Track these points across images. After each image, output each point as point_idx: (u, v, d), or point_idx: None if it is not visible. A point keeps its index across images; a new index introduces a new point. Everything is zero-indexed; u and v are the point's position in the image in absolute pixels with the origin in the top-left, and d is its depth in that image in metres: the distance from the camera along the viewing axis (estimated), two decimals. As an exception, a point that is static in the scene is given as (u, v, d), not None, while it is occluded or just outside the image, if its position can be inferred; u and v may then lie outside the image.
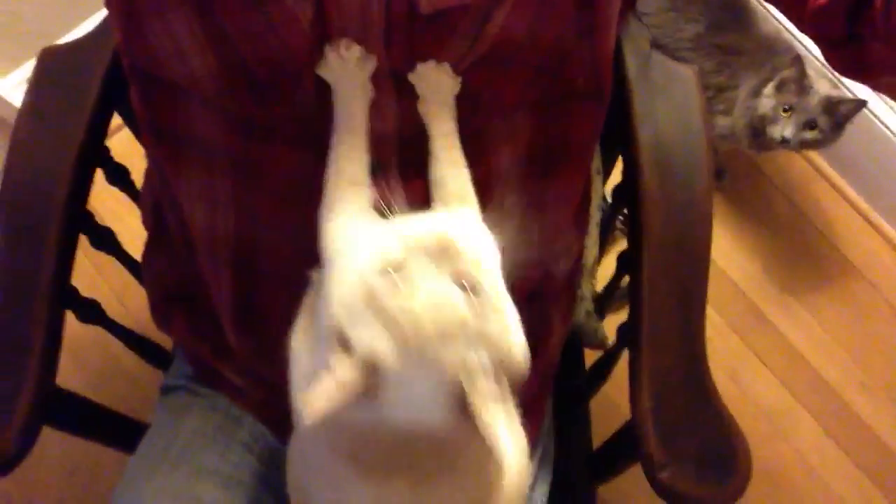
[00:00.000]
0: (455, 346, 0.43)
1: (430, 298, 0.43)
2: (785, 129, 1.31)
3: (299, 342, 0.56)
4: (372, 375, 0.43)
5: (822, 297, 1.59)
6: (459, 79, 0.57)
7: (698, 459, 0.71)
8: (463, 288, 0.44)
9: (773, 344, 1.55)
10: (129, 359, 1.44)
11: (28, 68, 1.37)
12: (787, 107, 1.31)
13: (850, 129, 1.45)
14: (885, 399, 1.51)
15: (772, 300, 1.58)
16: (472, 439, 0.46)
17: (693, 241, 0.78)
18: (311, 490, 0.59)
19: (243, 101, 0.60)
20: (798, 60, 1.31)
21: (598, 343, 1.02)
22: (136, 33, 0.61)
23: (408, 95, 0.58)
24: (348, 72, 0.56)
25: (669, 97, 0.82)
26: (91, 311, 0.87)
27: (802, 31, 0.57)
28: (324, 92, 0.57)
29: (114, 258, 0.94)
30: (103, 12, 1.43)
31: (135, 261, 0.96)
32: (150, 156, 0.75)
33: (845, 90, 1.40)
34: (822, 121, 1.29)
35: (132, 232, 0.93)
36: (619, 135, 0.85)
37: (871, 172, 1.62)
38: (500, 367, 0.46)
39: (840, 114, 1.29)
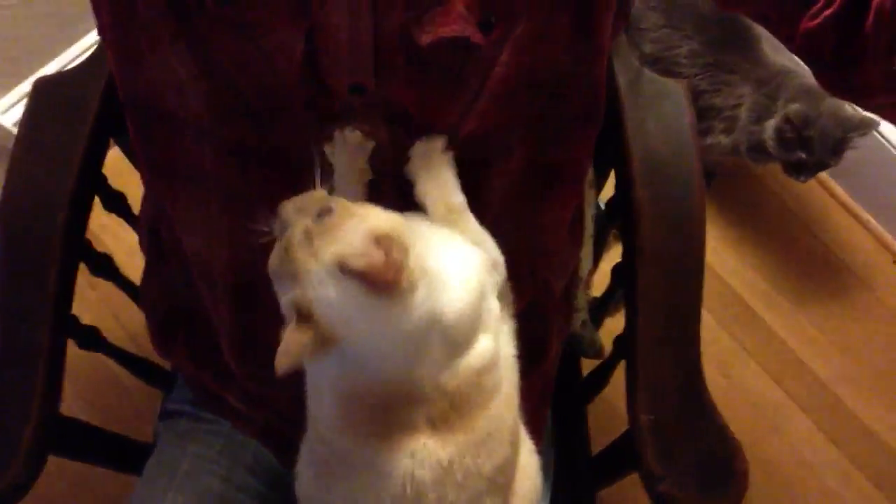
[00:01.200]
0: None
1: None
2: (798, 152, 1.31)
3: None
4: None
5: (811, 293, 1.61)
6: (451, 154, 0.60)
7: (696, 470, 0.72)
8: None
9: (763, 341, 1.57)
10: (125, 376, 1.46)
11: (18, 92, 1.37)
12: (795, 131, 1.30)
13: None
14: (873, 392, 1.53)
15: (762, 298, 1.60)
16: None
17: (686, 252, 0.79)
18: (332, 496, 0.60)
19: (238, 132, 0.61)
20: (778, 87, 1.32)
21: (595, 352, 1.04)
22: (132, 67, 0.62)
23: (401, 132, 0.59)
24: (349, 154, 0.60)
25: (659, 111, 0.84)
26: (91, 338, 0.88)
27: (793, 51, 0.57)
28: (315, 123, 0.59)
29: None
30: (93, 37, 1.43)
31: (133, 285, 0.97)
32: (147, 185, 0.75)
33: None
34: (832, 141, 1.30)
35: (130, 250, 0.94)
36: (611, 149, 0.86)
37: (859, 170, 1.64)
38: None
39: (849, 127, 1.30)
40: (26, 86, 1.38)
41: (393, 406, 0.53)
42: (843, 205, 1.68)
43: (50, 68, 1.40)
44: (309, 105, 0.59)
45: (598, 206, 1.04)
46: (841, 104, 1.31)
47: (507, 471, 0.59)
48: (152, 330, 0.84)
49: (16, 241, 0.79)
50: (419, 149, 0.60)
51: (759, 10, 0.57)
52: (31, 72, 1.38)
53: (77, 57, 1.41)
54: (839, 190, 1.68)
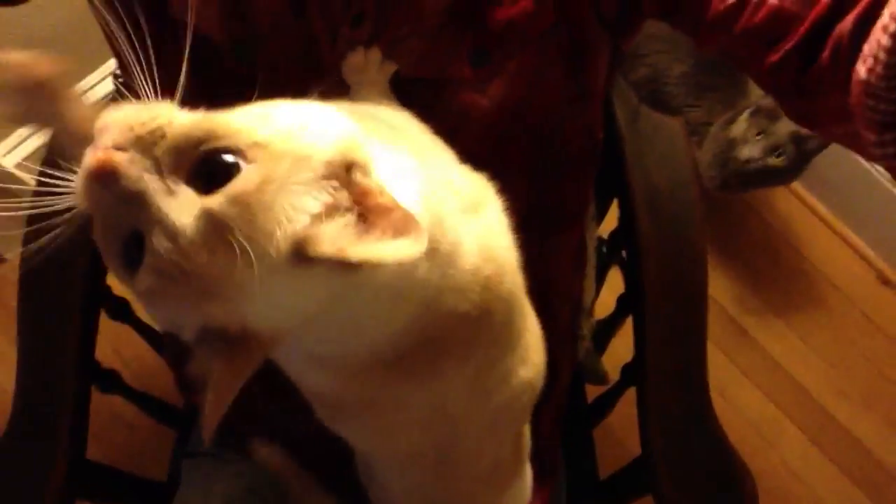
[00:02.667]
0: None
1: None
2: (752, 150, 1.36)
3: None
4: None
5: (800, 311, 1.66)
6: (393, 66, 0.57)
7: (708, 494, 0.75)
8: None
9: (755, 359, 1.60)
10: (130, 415, 1.46)
11: (19, 134, 1.38)
12: (759, 131, 1.36)
13: (839, 169, 1.52)
14: (862, 405, 1.57)
15: (753, 317, 1.64)
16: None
17: (690, 281, 0.82)
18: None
19: None
20: None
21: (599, 379, 1.06)
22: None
23: None
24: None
25: (658, 147, 0.87)
26: (112, 382, 0.89)
27: (760, 86, 0.61)
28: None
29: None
30: (96, 75, 1.42)
31: (150, 328, 0.98)
32: None
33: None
34: (789, 149, 1.35)
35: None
36: (612, 182, 0.89)
37: (842, 189, 1.69)
38: None
39: (807, 148, 1.35)
40: (27, 128, 1.39)
41: (407, 356, 0.44)
42: (828, 224, 1.72)
43: (49, 110, 1.41)
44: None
45: (599, 239, 1.07)
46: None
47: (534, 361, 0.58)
48: (175, 371, 0.85)
49: (38, 287, 0.80)
50: (355, 59, 0.55)
51: (729, 49, 0.60)
52: (31, 114, 1.39)
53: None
54: (823, 209, 1.73)
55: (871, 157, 0.51)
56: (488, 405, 0.56)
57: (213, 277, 0.32)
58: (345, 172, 0.33)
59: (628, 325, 0.99)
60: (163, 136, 0.33)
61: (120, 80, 0.92)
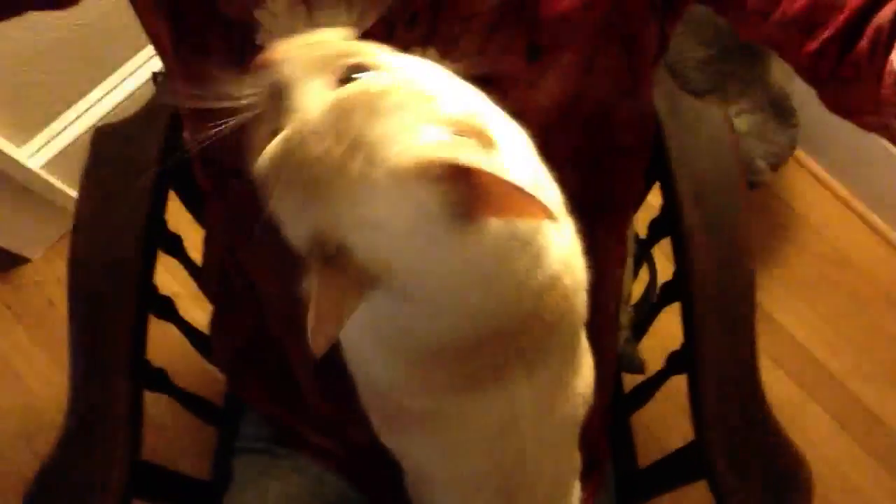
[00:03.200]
0: None
1: None
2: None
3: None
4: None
5: (823, 293, 1.66)
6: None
7: (765, 481, 0.75)
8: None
9: (780, 342, 1.61)
10: (156, 409, 1.46)
11: (44, 136, 1.38)
12: None
13: (841, 129, 1.51)
14: (888, 386, 1.58)
15: (776, 299, 1.64)
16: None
17: (738, 271, 0.83)
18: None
19: None
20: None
21: (637, 368, 1.07)
22: (209, 113, 0.64)
23: None
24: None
25: (701, 136, 0.87)
26: (160, 381, 0.89)
27: (799, 74, 0.61)
28: None
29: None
30: (116, 75, 1.44)
31: (193, 327, 0.98)
32: (219, 232, 0.77)
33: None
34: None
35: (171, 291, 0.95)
36: (651, 172, 0.89)
37: (862, 170, 1.69)
38: None
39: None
40: (52, 128, 1.39)
41: (479, 351, 0.42)
42: (851, 207, 1.72)
43: (75, 111, 1.41)
44: None
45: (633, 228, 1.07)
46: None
47: (590, 375, 0.56)
48: (227, 366, 0.85)
49: (89, 293, 0.81)
50: None
51: (769, 37, 0.60)
52: (56, 115, 1.39)
53: (104, 96, 1.42)
54: (846, 192, 1.73)
55: None
56: (553, 421, 0.55)
57: (326, 172, 0.31)
58: (470, 131, 0.32)
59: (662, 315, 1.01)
60: (325, 49, 0.33)
61: (159, 78, 0.92)
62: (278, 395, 0.82)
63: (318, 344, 0.33)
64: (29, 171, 1.36)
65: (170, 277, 1.46)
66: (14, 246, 1.53)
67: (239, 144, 0.62)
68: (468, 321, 0.40)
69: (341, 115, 0.31)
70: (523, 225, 0.37)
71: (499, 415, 0.47)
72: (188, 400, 0.97)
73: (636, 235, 1.05)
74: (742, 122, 1.40)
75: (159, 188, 0.84)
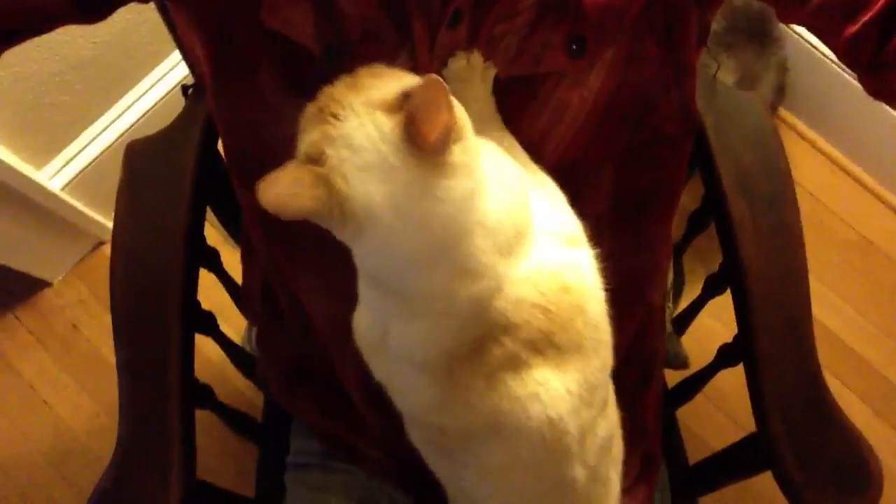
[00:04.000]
0: None
1: None
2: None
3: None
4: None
5: (849, 280, 1.64)
6: (494, 70, 0.56)
7: (835, 476, 0.74)
8: None
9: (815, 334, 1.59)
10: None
11: (63, 157, 1.37)
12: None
13: (861, 116, 1.51)
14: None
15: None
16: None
17: (791, 262, 0.82)
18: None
19: None
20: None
21: (680, 363, 1.05)
22: (252, 134, 0.63)
23: None
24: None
25: (743, 126, 0.86)
26: (205, 398, 0.88)
27: (839, 58, 0.60)
28: None
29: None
30: (133, 92, 1.43)
31: (232, 342, 0.97)
32: (259, 246, 0.76)
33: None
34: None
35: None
36: (692, 163, 0.88)
37: (884, 156, 1.67)
38: None
39: None
40: (72, 149, 1.38)
41: (489, 350, 0.48)
42: (871, 190, 1.71)
43: (93, 131, 1.40)
44: None
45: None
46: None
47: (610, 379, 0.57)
48: (275, 385, 0.84)
49: (133, 312, 0.79)
50: (458, 64, 0.55)
51: (809, 20, 0.59)
52: (75, 135, 1.38)
53: (121, 115, 1.41)
54: (866, 177, 1.72)
55: None
56: (596, 440, 0.55)
57: (334, 106, 0.44)
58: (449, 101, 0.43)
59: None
60: None
61: (189, 91, 0.91)
62: (329, 410, 0.81)
63: (263, 192, 0.43)
64: (49, 192, 1.35)
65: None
66: (35, 270, 1.51)
67: (272, 139, 0.61)
68: (466, 305, 0.46)
69: (353, 78, 0.45)
70: (475, 202, 0.45)
71: (536, 417, 0.48)
72: (232, 416, 0.96)
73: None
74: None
75: (197, 203, 0.83)
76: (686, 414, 1.29)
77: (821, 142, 1.72)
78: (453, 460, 0.56)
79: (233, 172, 0.70)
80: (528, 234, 0.49)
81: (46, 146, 1.33)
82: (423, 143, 0.42)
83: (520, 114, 0.59)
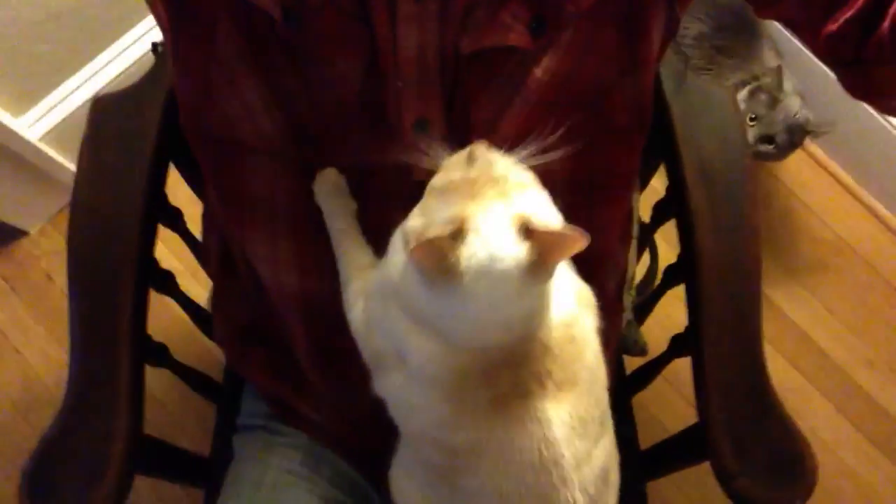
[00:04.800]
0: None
1: None
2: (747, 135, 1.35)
3: (383, 382, 0.61)
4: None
5: (823, 279, 1.66)
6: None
7: (769, 467, 0.75)
8: None
9: (781, 328, 1.61)
10: (157, 385, 1.46)
11: (42, 106, 1.36)
12: (753, 115, 1.35)
13: (843, 114, 1.51)
14: (890, 374, 1.58)
15: (777, 286, 1.64)
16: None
17: (745, 254, 0.82)
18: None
19: (308, 159, 0.63)
20: (779, 70, 1.35)
21: (639, 350, 1.06)
22: (208, 100, 0.63)
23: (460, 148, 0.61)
24: (331, 189, 0.63)
25: (708, 118, 0.86)
26: (161, 356, 0.89)
27: (817, 56, 0.60)
28: (374, 147, 0.61)
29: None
30: (114, 47, 1.42)
31: (192, 302, 0.97)
32: (215, 211, 0.76)
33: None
34: (781, 139, 1.34)
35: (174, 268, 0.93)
36: (657, 154, 0.88)
37: (863, 156, 1.68)
38: None
39: (800, 136, 1.34)
40: (51, 99, 1.37)
41: (500, 375, 0.53)
42: (853, 193, 1.72)
43: (73, 82, 1.39)
44: (367, 132, 0.60)
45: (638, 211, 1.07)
46: (794, 110, 1.36)
47: (608, 412, 0.63)
48: (227, 344, 0.85)
49: (89, 265, 0.80)
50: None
51: (787, 16, 0.60)
52: (55, 85, 1.38)
53: (102, 68, 1.40)
54: (848, 178, 1.72)
55: None
56: (593, 470, 0.58)
57: (483, 194, 0.49)
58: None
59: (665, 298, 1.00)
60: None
61: (160, 49, 0.91)
62: (279, 373, 0.81)
63: (414, 254, 0.47)
64: (26, 142, 1.35)
65: (168, 252, 1.46)
66: (12, 219, 1.52)
67: (235, 116, 0.61)
68: (487, 344, 0.52)
69: (501, 178, 0.50)
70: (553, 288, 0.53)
71: (535, 436, 0.53)
72: (189, 375, 0.97)
73: (640, 219, 1.05)
74: (740, 99, 1.39)
75: (159, 161, 0.83)
76: (647, 398, 1.31)
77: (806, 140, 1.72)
78: (454, 487, 0.59)
79: (189, 132, 0.70)
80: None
81: (24, 95, 1.33)
82: (542, 275, 0.49)
83: (480, 90, 0.59)
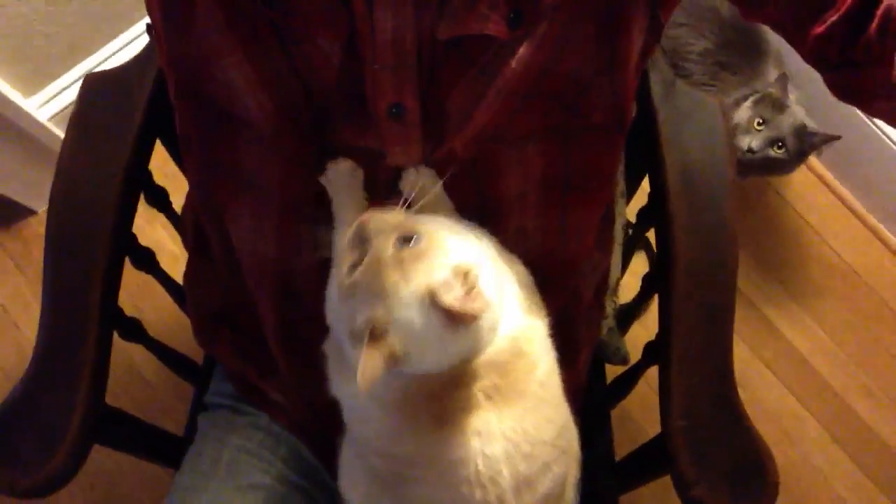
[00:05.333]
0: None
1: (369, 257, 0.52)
2: (753, 140, 1.34)
3: (338, 384, 0.63)
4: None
5: (826, 304, 1.63)
6: (440, 181, 0.63)
7: (729, 476, 0.74)
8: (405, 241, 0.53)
9: (779, 351, 1.58)
10: (149, 371, 1.48)
11: (53, 88, 1.39)
12: (761, 120, 1.34)
13: (850, 137, 1.49)
14: (888, 403, 1.55)
15: (778, 308, 1.61)
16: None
17: (720, 263, 0.81)
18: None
19: (292, 136, 0.63)
20: (783, 79, 1.34)
21: (620, 359, 1.05)
22: (190, 73, 0.64)
23: (434, 136, 0.61)
24: (345, 181, 0.63)
25: (695, 124, 0.85)
26: (133, 330, 0.89)
27: (804, 58, 0.59)
28: (350, 131, 0.61)
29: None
30: (131, 34, 1.45)
31: (171, 280, 0.98)
32: (196, 183, 0.77)
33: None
34: (791, 142, 1.32)
35: (160, 247, 0.94)
36: (644, 159, 0.88)
37: (871, 179, 1.65)
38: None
39: (809, 142, 1.33)
40: (62, 81, 1.40)
41: (448, 391, 0.55)
42: (855, 213, 1.69)
43: (86, 65, 1.42)
44: (349, 114, 0.61)
45: (625, 216, 1.06)
46: (800, 117, 1.35)
47: (566, 434, 0.62)
48: (197, 323, 0.85)
49: (64, 235, 0.81)
50: (410, 176, 0.62)
51: (775, 19, 0.59)
52: (67, 68, 1.40)
53: (114, 54, 1.43)
54: (854, 201, 1.70)
55: None
56: (535, 497, 0.58)
57: (386, 288, 0.50)
58: (463, 274, 0.52)
59: (651, 306, 0.99)
60: (394, 221, 0.54)
61: (153, 30, 0.92)
62: (245, 352, 0.82)
63: (363, 387, 0.49)
64: (36, 121, 1.37)
65: (165, 233, 1.48)
66: (20, 197, 1.55)
67: (221, 88, 0.62)
68: (439, 372, 0.55)
69: (398, 258, 0.51)
70: (486, 320, 0.55)
71: (474, 450, 0.55)
72: (166, 353, 0.97)
73: (627, 225, 1.04)
74: (741, 114, 1.37)
75: (144, 137, 0.84)
76: (632, 407, 1.30)
77: (813, 161, 1.70)
78: (396, 494, 0.60)
79: (182, 112, 0.71)
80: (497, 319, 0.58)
81: (36, 76, 1.35)
82: (462, 325, 0.52)
83: (457, 78, 0.59)
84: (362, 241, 0.54)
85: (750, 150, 1.34)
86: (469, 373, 0.55)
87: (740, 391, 0.76)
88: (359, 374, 0.49)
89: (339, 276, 0.55)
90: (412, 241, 0.52)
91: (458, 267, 0.51)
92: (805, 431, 1.54)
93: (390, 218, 0.54)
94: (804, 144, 1.34)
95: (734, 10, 1.43)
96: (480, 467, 0.55)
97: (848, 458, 1.51)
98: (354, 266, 0.53)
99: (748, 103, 1.37)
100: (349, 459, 0.67)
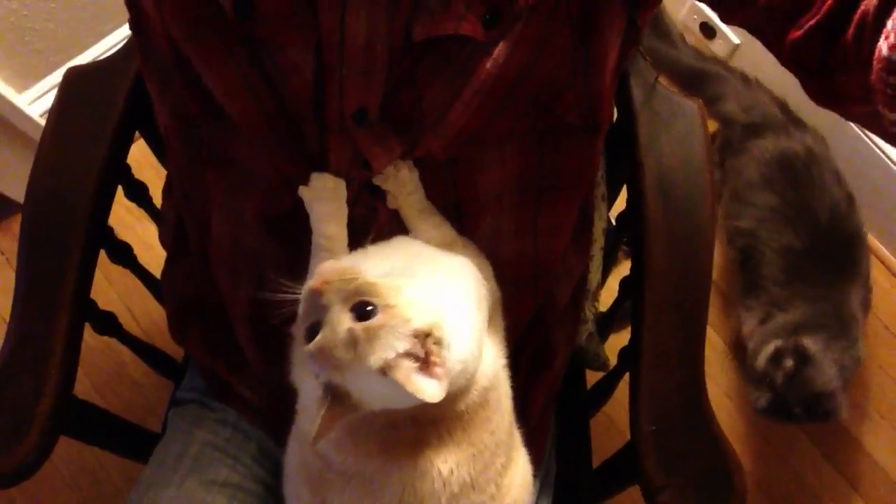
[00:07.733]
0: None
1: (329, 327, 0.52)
2: (761, 398, 1.27)
3: (299, 374, 0.64)
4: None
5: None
6: (416, 172, 0.63)
7: (696, 482, 0.73)
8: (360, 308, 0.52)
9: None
10: (135, 369, 1.48)
11: (46, 84, 1.40)
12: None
13: (846, 154, 1.48)
14: (879, 419, 1.53)
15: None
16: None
17: (695, 268, 0.80)
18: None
19: (270, 142, 0.63)
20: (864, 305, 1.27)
21: (600, 365, 1.04)
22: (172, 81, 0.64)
23: (409, 136, 0.61)
24: (326, 196, 0.62)
25: (674, 129, 0.85)
26: (107, 323, 0.89)
27: (782, 63, 0.59)
28: (327, 137, 0.61)
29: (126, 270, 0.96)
30: (121, 31, 1.46)
31: (150, 276, 0.98)
32: (178, 172, 0.77)
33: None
34: (798, 411, 1.25)
35: (145, 244, 0.93)
36: (624, 163, 0.87)
37: (867, 196, 1.64)
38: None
39: (818, 412, 1.25)
40: (53, 78, 1.41)
41: (405, 423, 0.56)
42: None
43: (78, 62, 1.43)
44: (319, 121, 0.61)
45: (609, 221, 1.05)
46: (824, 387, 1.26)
47: (497, 480, 0.62)
48: (170, 316, 0.85)
49: (40, 224, 0.81)
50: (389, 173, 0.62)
51: (753, 22, 0.59)
52: (59, 64, 1.41)
53: (107, 51, 1.43)
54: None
55: (890, 138, 0.49)
56: None
57: (344, 362, 0.51)
58: (424, 336, 0.52)
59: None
60: (351, 282, 0.53)
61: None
62: (216, 347, 0.82)
63: (316, 442, 0.52)
64: (28, 118, 1.38)
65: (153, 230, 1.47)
66: (11, 193, 1.55)
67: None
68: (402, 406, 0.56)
69: (353, 338, 0.51)
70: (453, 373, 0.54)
71: (401, 484, 0.56)
72: (140, 347, 0.97)
73: (609, 227, 1.04)
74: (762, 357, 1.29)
75: (122, 131, 0.84)
76: (615, 412, 1.28)
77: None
78: (316, 491, 0.61)
79: (157, 100, 0.71)
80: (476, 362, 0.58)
81: (28, 72, 1.36)
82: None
83: (434, 76, 0.59)
84: (316, 309, 0.53)
85: (756, 407, 1.26)
86: (432, 412, 0.55)
87: (730, 404, 0.75)
88: (315, 433, 0.51)
89: (298, 333, 0.55)
90: (370, 311, 0.51)
91: (418, 331, 0.51)
92: (795, 446, 1.52)
93: (347, 277, 0.53)
94: (813, 413, 1.25)
95: (834, 218, 1.36)
96: (406, 499, 0.56)
97: (839, 475, 1.50)
98: (313, 327, 0.53)
99: (770, 349, 1.28)
100: (291, 457, 0.68)
